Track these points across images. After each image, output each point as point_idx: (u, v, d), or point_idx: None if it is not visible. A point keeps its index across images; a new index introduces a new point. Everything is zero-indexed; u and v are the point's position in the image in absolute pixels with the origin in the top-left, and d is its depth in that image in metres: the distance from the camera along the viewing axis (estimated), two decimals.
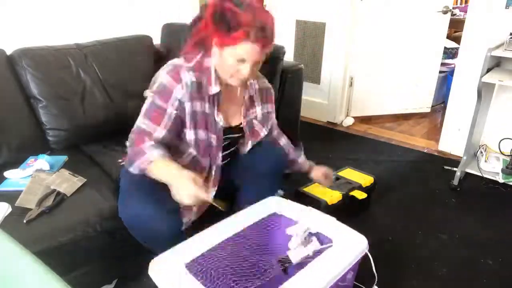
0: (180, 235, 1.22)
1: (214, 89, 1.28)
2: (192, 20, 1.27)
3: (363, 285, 1.39)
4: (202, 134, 1.31)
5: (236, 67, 1.21)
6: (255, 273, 1.24)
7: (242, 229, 1.20)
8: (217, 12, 1.16)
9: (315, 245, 1.20)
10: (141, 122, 1.27)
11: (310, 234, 1.22)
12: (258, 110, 1.45)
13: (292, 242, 1.20)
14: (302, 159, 1.67)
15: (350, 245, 1.14)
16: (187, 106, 1.26)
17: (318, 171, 1.69)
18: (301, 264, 1.20)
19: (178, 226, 1.23)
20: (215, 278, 1.08)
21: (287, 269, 1.27)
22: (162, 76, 1.25)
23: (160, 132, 1.25)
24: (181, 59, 1.28)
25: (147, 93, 1.29)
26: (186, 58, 1.28)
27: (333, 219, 1.26)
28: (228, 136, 1.39)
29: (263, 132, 1.47)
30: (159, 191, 1.21)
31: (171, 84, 1.24)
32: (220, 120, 1.32)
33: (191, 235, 1.15)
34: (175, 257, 1.05)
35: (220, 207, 1.19)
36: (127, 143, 1.28)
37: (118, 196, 1.31)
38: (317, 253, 1.16)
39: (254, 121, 1.45)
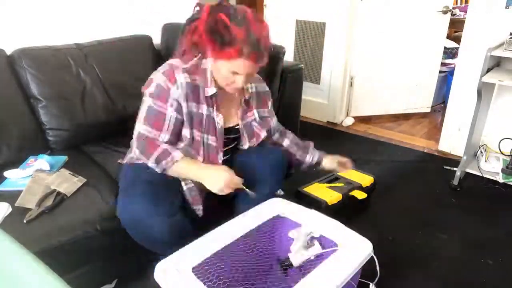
0: (185, 234, 1.18)
1: (211, 90, 1.28)
2: (187, 20, 1.25)
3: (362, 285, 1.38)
4: (197, 134, 1.30)
5: (230, 78, 1.22)
6: (260, 277, 1.24)
7: (246, 232, 1.18)
8: (210, 22, 1.15)
9: (317, 248, 1.19)
10: (142, 128, 1.26)
11: (313, 238, 1.21)
12: (255, 113, 1.44)
13: (294, 245, 1.20)
14: (308, 158, 1.59)
15: (355, 249, 1.12)
16: (184, 106, 1.26)
17: (331, 160, 1.59)
18: (303, 267, 1.20)
19: (179, 229, 1.20)
20: (221, 282, 1.08)
21: (287, 270, 1.27)
22: (158, 76, 1.25)
23: (164, 136, 1.26)
24: (178, 59, 1.28)
25: (145, 93, 1.28)
26: (183, 59, 1.27)
27: (337, 222, 1.24)
28: (225, 136, 1.38)
29: (263, 134, 1.46)
30: (160, 192, 1.20)
31: (167, 85, 1.23)
32: (220, 120, 1.32)
33: (197, 234, 1.14)
34: (181, 261, 1.04)
35: (250, 192, 1.27)
36: (136, 150, 1.26)
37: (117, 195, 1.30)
38: (320, 256, 1.16)
39: (254, 123, 1.44)
